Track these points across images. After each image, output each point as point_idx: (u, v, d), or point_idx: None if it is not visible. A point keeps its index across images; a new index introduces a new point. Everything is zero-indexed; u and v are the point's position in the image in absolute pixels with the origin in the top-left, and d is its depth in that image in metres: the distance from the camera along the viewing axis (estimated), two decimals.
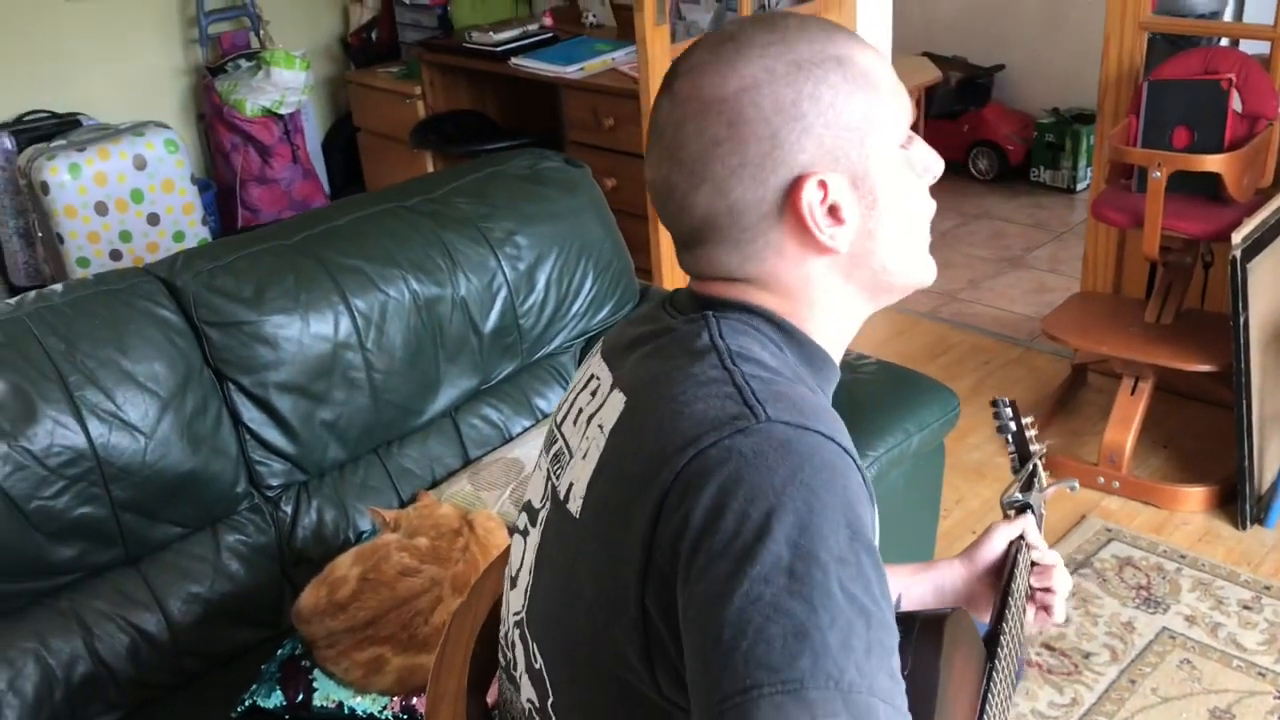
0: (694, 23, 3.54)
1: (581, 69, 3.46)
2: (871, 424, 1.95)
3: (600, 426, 0.89)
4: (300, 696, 1.59)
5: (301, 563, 1.87)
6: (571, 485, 0.90)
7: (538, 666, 0.94)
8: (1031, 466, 1.40)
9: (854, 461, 0.81)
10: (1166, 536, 2.61)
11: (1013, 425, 1.43)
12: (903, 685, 0.73)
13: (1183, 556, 2.53)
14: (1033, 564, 1.22)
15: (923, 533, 2.23)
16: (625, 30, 3.60)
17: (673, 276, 3.24)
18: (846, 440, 0.82)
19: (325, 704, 1.58)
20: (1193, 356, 2.63)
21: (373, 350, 1.93)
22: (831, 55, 0.88)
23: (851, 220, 0.89)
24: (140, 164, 3.62)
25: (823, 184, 0.87)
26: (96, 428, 1.67)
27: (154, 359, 1.75)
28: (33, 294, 1.77)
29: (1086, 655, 2.27)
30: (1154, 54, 2.96)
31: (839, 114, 0.87)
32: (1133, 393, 2.71)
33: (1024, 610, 1.19)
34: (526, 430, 2.14)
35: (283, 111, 4.06)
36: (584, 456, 0.90)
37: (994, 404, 1.44)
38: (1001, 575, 1.18)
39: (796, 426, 0.79)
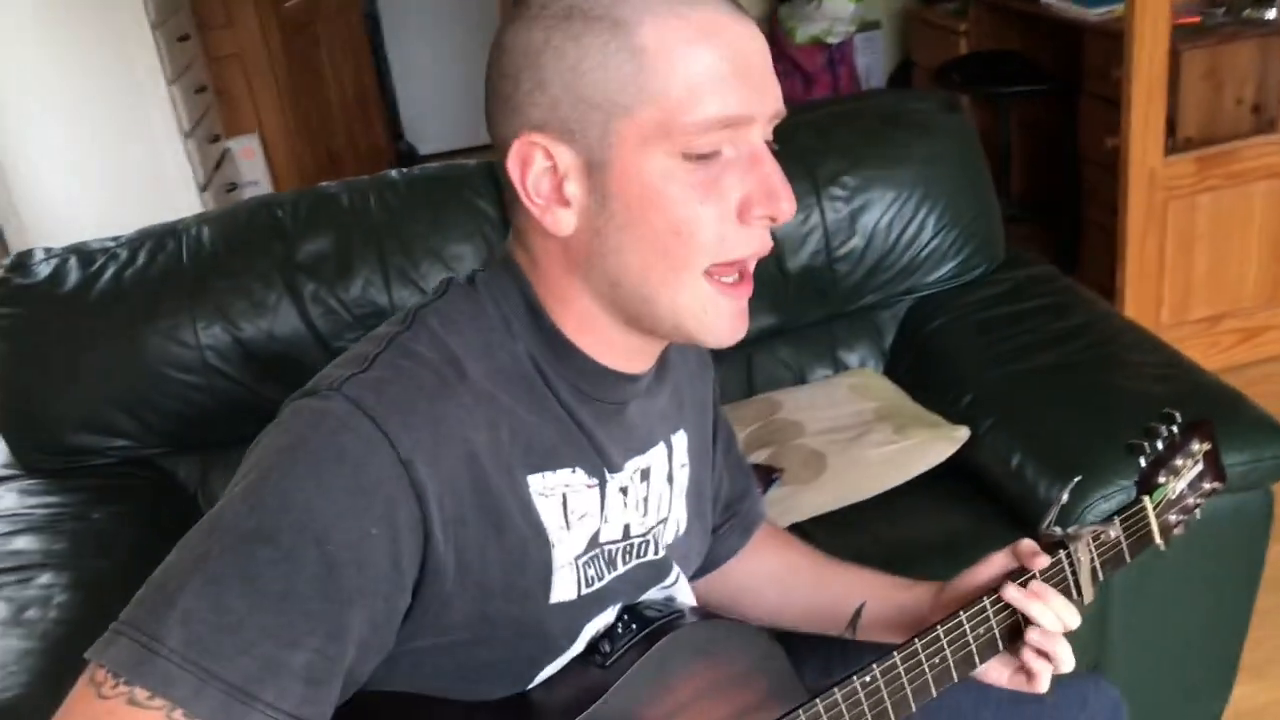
0: None
1: (1108, 11, 3.07)
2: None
3: None
4: None
5: None
6: None
7: None
8: (1136, 505, 1.09)
9: (399, 460, 0.72)
10: None
11: (1160, 445, 1.11)
12: (295, 682, 0.67)
13: None
14: (1025, 620, 0.97)
15: (1224, 601, 1.76)
16: None
17: (1142, 252, 2.83)
18: (409, 437, 0.73)
19: None
20: None
21: None
22: (614, 16, 0.75)
23: (575, 208, 0.78)
24: None
25: (548, 153, 0.77)
26: (399, 291, 1.94)
27: (461, 241, 1.98)
28: (395, 172, 2.07)
29: None
30: None
31: (578, 80, 0.75)
32: None
33: (966, 663, 0.96)
34: (820, 379, 2.07)
35: (830, 41, 4.13)
36: None
37: (1164, 414, 1.11)
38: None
39: (351, 402, 0.73)
